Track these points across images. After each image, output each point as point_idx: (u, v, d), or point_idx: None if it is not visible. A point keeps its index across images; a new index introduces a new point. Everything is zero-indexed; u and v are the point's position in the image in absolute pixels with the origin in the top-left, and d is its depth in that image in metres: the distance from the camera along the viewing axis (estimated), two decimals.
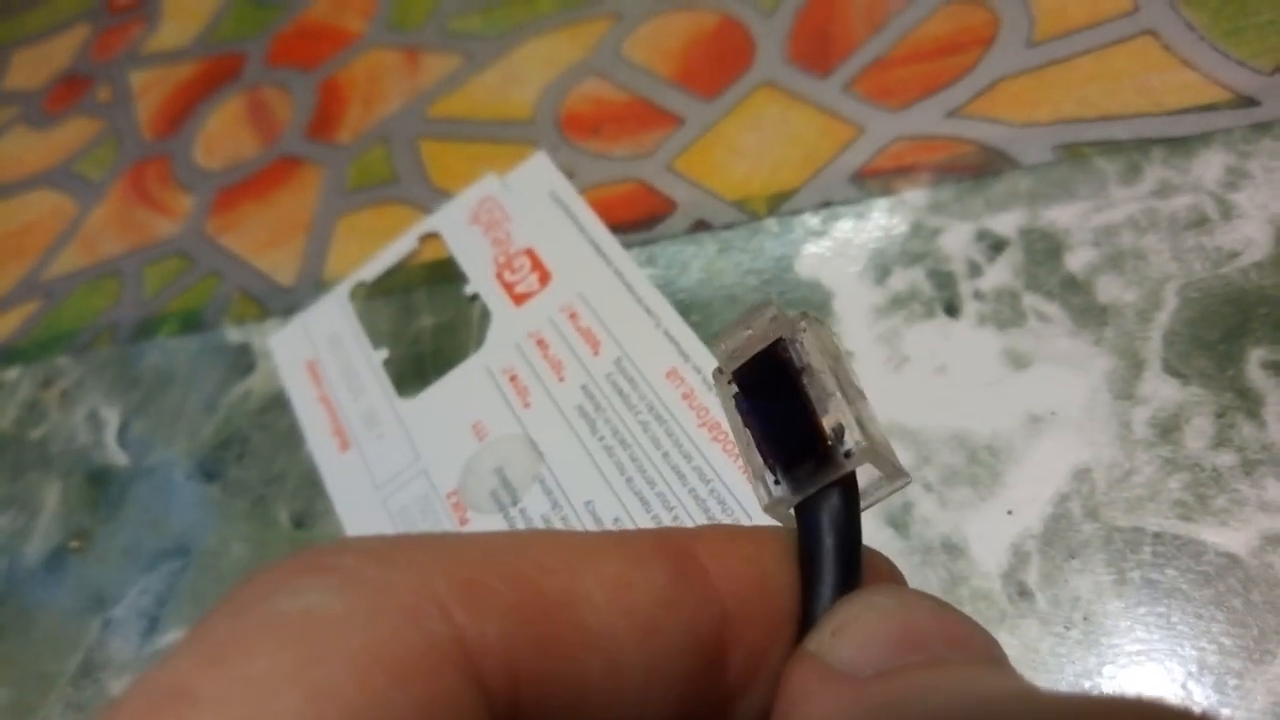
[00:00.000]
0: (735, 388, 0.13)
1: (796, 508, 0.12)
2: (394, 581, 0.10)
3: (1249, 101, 0.24)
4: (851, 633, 0.11)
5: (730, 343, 0.13)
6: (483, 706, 0.09)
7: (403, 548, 0.10)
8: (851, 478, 0.12)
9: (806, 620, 0.12)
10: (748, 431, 0.13)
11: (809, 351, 0.13)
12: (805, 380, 0.12)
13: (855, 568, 0.12)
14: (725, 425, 0.14)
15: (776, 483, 0.12)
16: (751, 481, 0.13)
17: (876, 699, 0.10)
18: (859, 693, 0.10)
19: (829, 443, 0.12)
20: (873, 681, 0.10)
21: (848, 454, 0.12)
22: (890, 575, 0.13)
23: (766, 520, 0.13)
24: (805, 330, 0.13)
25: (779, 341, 0.13)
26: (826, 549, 0.12)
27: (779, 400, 0.12)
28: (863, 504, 0.12)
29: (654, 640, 0.11)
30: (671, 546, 0.12)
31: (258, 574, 0.10)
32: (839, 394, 0.12)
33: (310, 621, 0.09)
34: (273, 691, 0.09)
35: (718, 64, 0.31)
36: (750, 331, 0.13)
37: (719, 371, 0.13)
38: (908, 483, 0.13)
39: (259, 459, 0.29)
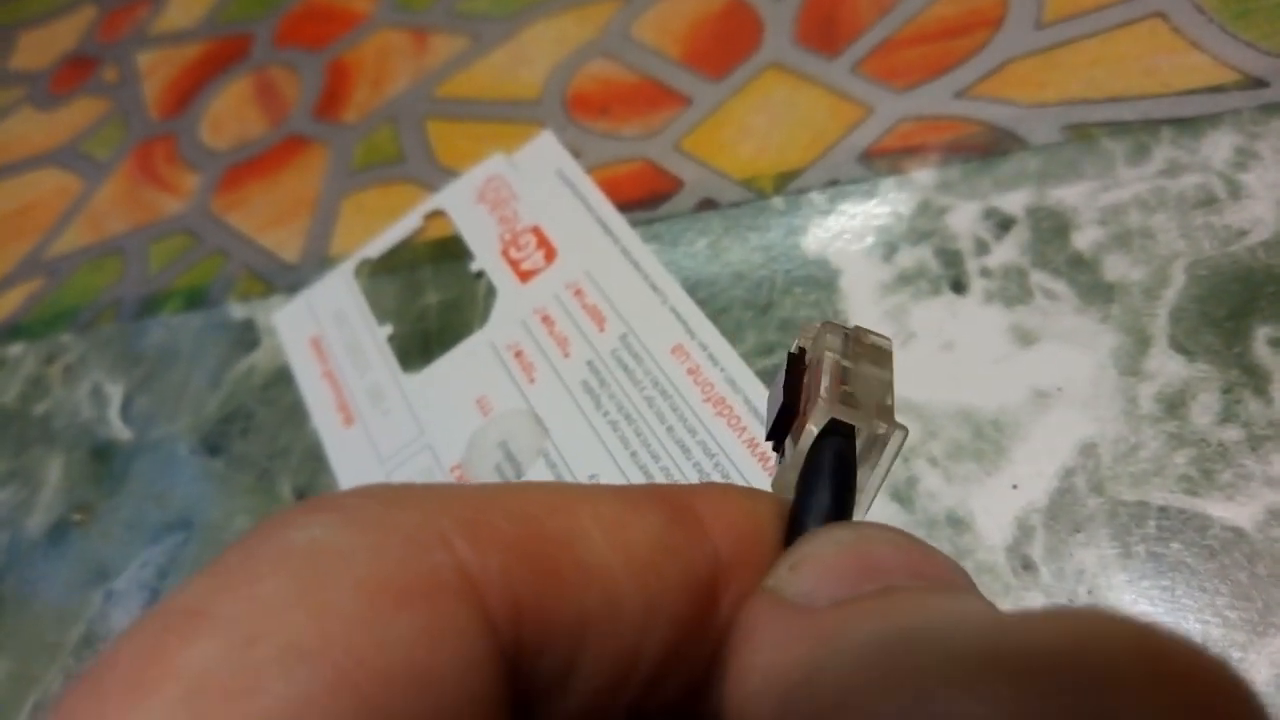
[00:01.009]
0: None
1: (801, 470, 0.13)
2: (399, 518, 0.10)
3: (1258, 83, 0.23)
4: (808, 566, 0.11)
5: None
6: (485, 633, 0.10)
7: (408, 491, 0.11)
8: (846, 428, 0.13)
9: None
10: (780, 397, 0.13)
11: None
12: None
13: (844, 513, 0.12)
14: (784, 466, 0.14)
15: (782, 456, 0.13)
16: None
17: (825, 627, 0.10)
18: (808, 622, 0.10)
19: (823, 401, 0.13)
20: (824, 611, 0.10)
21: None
22: None
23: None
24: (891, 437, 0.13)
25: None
26: (816, 491, 0.12)
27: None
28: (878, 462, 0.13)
29: (651, 578, 0.11)
30: (668, 496, 0.12)
31: (270, 516, 0.11)
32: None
33: (317, 551, 0.10)
34: (280, 610, 0.09)
35: (726, 45, 0.31)
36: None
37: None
38: (904, 434, 0.13)
39: (263, 434, 0.29)
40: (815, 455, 0.12)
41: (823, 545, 0.11)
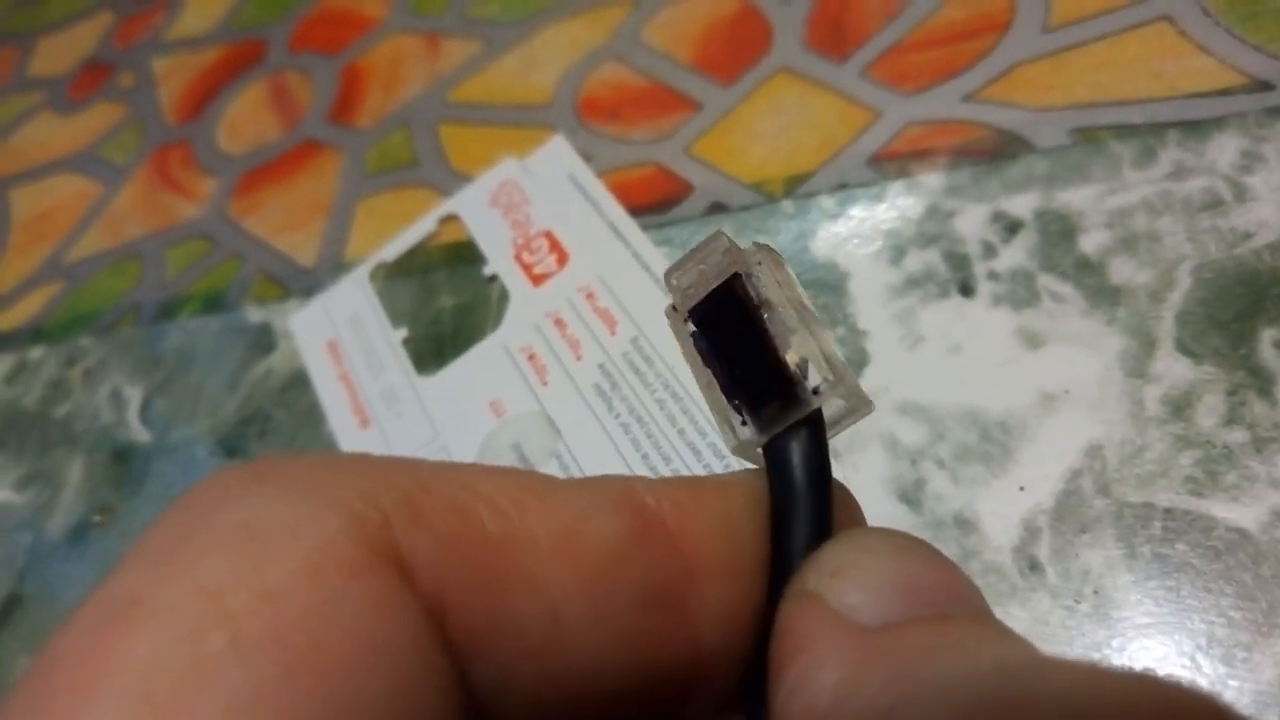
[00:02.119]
0: (692, 326, 0.12)
1: (765, 447, 0.12)
2: (339, 489, 0.10)
3: (1264, 86, 0.24)
4: (854, 577, 0.11)
5: (683, 278, 0.13)
6: (424, 614, 0.10)
7: (352, 461, 0.11)
8: (818, 414, 0.12)
9: (780, 561, 0.12)
10: (709, 371, 0.12)
11: (766, 285, 0.12)
12: (765, 316, 0.12)
13: (827, 506, 0.12)
14: (686, 366, 0.13)
15: (744, 423, 0.12)
16: (717, 423, 0.13)
17: (900, 656, 0.10)
18: (876, 646, 0.10)
19: (794, 380, 0.12)
20: (883, 635, 0.10)
21: (815, 390, 0.12)
22: (853, 513, 0.13)
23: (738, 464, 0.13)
24: (761, 264, 0.12)
25: (735, 277, 0.12)
26: (799, 489, 0.12)
27: (740, 337, 0.12)
28: (829, 434, 0.12)
29: (600, 592, 0.11)
30: (632, 501, 0.11)
31: (206, 482, 0.10)
32: (802, 328, 0.12)
33: (257, 526, 0.09)
34: (224, 594, 0.09)
35: (736, 49, 0.31)
36: (703, 266, 0.12)
37: (673, 309, 0.13)
38: (871, 410, 0.12)
39: (281, 436, 0.30)
40: (794, 440, 0.12)
41: (861, 554, 0.11)
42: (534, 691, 0.10)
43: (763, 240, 0.26)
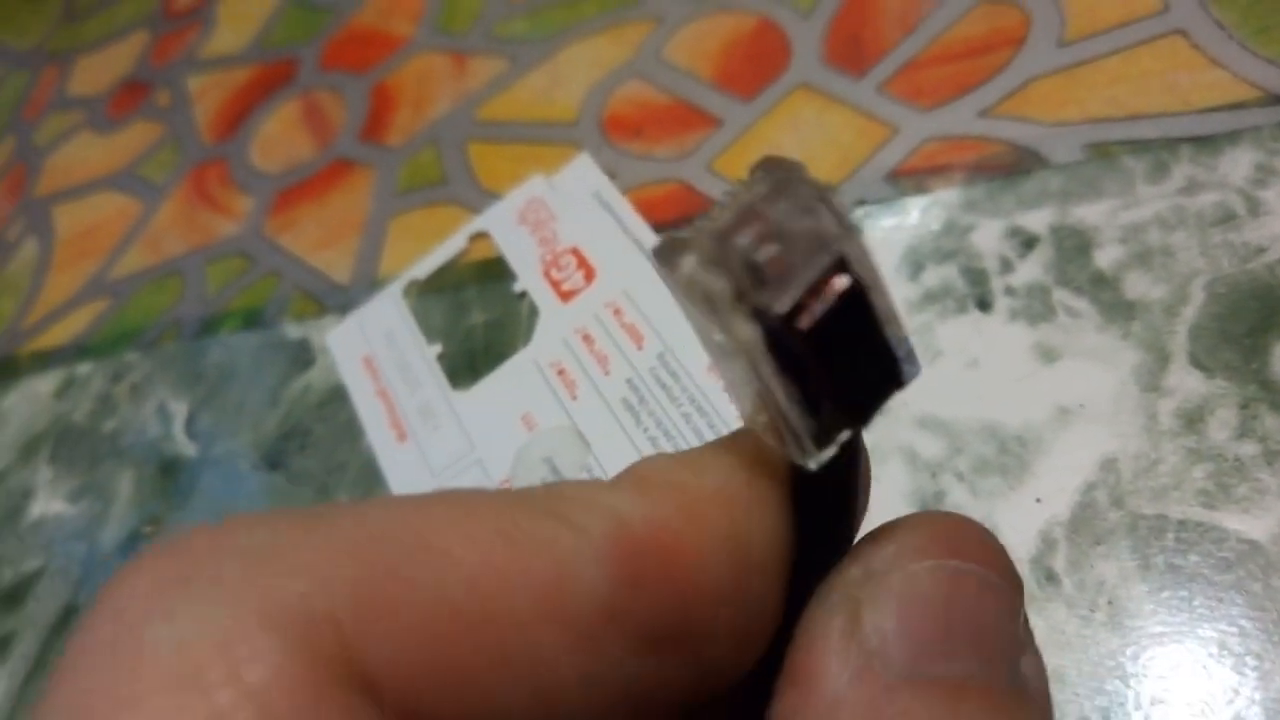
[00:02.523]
0: (764, 328, 0.09)
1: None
2: (278, 594, 0.08)
3: (1277, 100, 0.24)
4: (888, 606, 0.10)
5: (746, 252, 0.09)
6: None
7: (295, 543, 0.09)
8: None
9: (812, 569, 0.11)
10: (784, 379, 0.10)
11: (867, 255, 0.10)
12: (874, 299, 0.10)
13: (862, 513, 0.12)
14: (720, 375, 0.11)
15: (816, 434, 0.10)
16: (777, 433, 0.10)
17: None
18: (898, 709, 0.10)
19: (900, 367, 0.10)
20: (913, 699, 0.10)
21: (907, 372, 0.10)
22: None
23: None
24: (857, 231, 0.10)
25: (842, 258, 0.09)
26: (858, 502, 0.11)
27: (836, 332, 0.10)
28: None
29: (594, 652, 0.10)
30: (622, 538, 0.10)
31: (128, 580, 0.09)
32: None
33: (189, 659, 0.08)
34: None
35: (756, 66, 0.31)
36: (779, 238, 0.09)
37: (737, 301, 0.09)
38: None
39: (321, 449, 0.31)
40: (854, 450, 0.11)
41: (901, 580, 0.10)
42: None
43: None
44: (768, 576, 0.11)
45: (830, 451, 0.10)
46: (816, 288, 0.09)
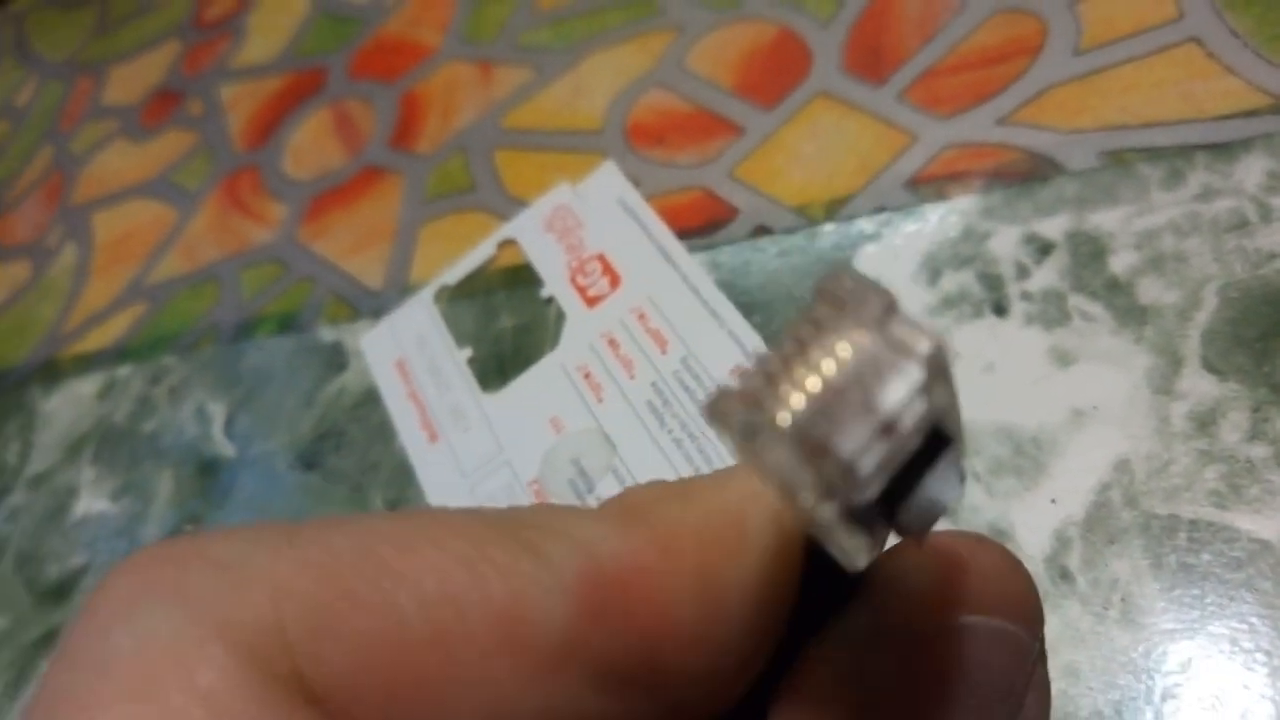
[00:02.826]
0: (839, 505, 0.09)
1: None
2: (234, 609, 0.09)
3: None
4: (882, 676, 0.10)
5: (850, 441, 0.08)
6: None
7: (256, 561, 0.09)
8: None
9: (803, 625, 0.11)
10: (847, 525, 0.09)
11: (952, 399, 0.09)
12: (954, 448, 0.09)
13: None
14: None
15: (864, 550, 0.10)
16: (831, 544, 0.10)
17: None
18: None
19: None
20: None
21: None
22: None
23: None
24: (948, 397, 0.09)
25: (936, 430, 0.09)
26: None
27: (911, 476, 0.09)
28: None
29: (550, 683, 0.10)
30: (588, 571, 0.10)
31: (105, 589, 0.10)
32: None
33: (149, 659, 0.09)
34: None
35: (776, 74, 0.32)
36: (888, 427, 0.08)
37: (827, 496, 0.09)
38: None
39: (355, 450, 0.32)
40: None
41: (904, 640, 0.10)
42: None
43: (806, 263, 0.28)
44: (746, 622, 0.10)
45: (871, 558, 0.10)
46: (907, 454, 0.09)
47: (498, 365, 0.31)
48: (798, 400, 0.08)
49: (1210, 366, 0.22)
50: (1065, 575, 0.21)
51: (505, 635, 0.09)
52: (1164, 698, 0.19)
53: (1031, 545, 0.22)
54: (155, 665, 0.09)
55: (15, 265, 0.48)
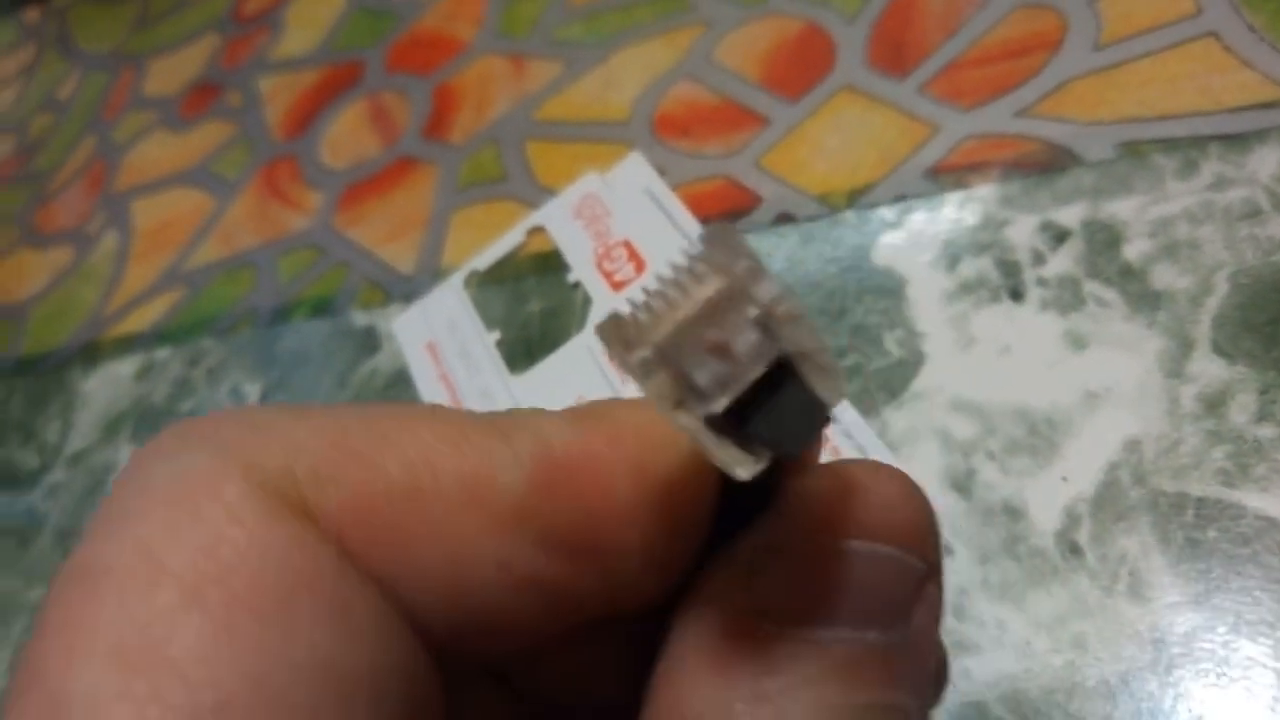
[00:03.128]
0: (705, 414, 0.10)
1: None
2: (255, 452, 0.11)
3: None
4: (781, 572, 0.12)
5: (694, 363, 0.10)
6: (338, 553, 0.11)
7: (276, 419, 0.12)
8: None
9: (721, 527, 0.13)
10: (716, 439, 0.11)
11: (797, 327, 0.10)
12: (803, 368, 0.10)
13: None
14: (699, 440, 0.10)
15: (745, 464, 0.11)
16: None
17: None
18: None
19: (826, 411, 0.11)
20: (778, 645, 0.11)
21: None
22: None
23: None
24: (789, 314, 0.10)
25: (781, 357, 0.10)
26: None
27: (770, 395, 0.10)
28: None
29: (505, 540, 0.11)
30: (543, 451, 0.12)
31: (152, 442, 0.11)
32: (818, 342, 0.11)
33: (183, 485, 0.11)
34: (164, 552, 0.10)
35: (802, 68, 0.33)
36: (723, 352, 0.10)
37: (678, 405, 0.10)
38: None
39: None
40: None
41: (793, 558, 0.12)
42: (449, 625, 0.11)
43: (828, 250, 0.28)
44: (672, 508, 0.12)
45: (760, 468, 0.11)
46: (750, 379, 0.10)
47: (525, 348, 0.32)
48: (664, 327, 0.10)
49: (1220, 350, 0.23)
50: (1075, 550, 0.22)
51: (471, 496, 0.11)
52: (1169, 668, 0.20)
53: (1043, 521, 0.22)
54: (189, 486, 0.10)
55: (57, 251, 0.49)
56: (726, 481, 0.12)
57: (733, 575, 0.12)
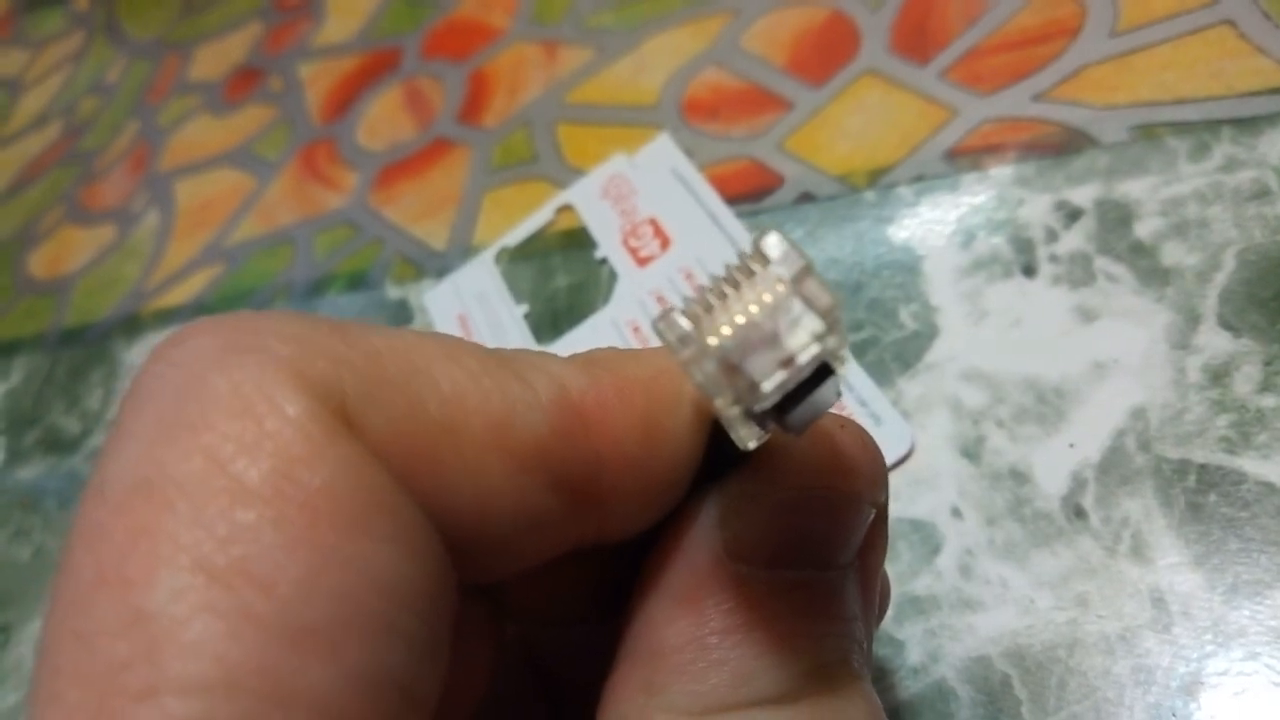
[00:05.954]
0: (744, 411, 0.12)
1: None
2: (309, 368, 0.11)
3: None
4: (747, 528, 0.14)
5: (753, 364, 0.11)
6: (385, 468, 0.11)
7: (322, 334, 0.12)
8: None
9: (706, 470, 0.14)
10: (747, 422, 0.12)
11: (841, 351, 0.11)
12: (834, 379, 0.12)
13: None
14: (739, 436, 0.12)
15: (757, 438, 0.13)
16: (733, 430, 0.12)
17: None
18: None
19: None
20: (749, 582, 0.13)
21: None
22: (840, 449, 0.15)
23: None
24: (838, 320, 0.11)
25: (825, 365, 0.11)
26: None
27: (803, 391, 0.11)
28: None
29: (523, 480, 0.12)
30: (562, 399, 0.12)
31: (184, 344, 0.11)
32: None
33: (243, 393, 0.11)
34: (237, 466, 0.10)
35: (826, 54, 0.34)
36: (780, 354, 0.11)
37: (737, 404, 0.11)
38: None
39: None
40: None
41: (764, 505, 0.13)
42: (462, 552, 0.12)
43: (847, 227, 0.29)
44: (671, 460, 0.13)
45: (765, 439, 0.12)
46: (801, 379, 0.11)
47: (552, 320, 0.33)
48: (726, 330, 0.11)
49: (1226, 324, 0.23)
50: (1079, 513, 0.23)
51: (497, 437, 0.12)
52: (1168, 627, 0.21)
53: (1049, 485, 0.23)
54: (250, 399, 0.11)
55: (102, 228, 0.51)
56: (714, 437, 0.14)
57: (709, 520, 0.14)
